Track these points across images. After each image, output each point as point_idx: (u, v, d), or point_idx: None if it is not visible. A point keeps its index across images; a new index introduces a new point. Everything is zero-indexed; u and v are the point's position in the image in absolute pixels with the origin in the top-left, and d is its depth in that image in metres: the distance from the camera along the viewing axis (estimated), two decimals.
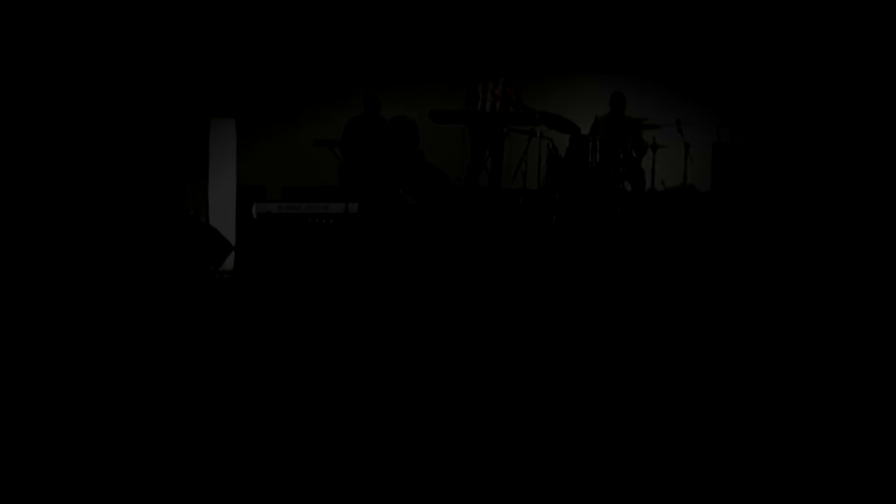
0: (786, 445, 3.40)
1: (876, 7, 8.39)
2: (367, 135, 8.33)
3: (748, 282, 6.06)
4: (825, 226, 7.09)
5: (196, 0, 7.66)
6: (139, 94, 6.95)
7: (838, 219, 7.16)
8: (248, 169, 8.35)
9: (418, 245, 5.43)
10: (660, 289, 6.00)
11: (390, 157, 5.69)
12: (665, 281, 6.18)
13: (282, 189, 8.68)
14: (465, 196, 8.14)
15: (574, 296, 5.86)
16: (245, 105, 8.93)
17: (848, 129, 8.13)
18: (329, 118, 9.56)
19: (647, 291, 5.94)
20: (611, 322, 5.27)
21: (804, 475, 3.17)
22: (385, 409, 3.78)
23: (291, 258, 6.61)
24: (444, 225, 5.59)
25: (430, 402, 3.87)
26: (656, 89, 9.63)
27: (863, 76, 8.43)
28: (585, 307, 5.61)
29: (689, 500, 3.06)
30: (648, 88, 9.57)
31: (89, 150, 6.51)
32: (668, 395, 3.97)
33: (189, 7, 7.50)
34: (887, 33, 8.26)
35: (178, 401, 3.88)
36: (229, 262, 6.91)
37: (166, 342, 4.84)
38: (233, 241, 7.05)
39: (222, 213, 7.42)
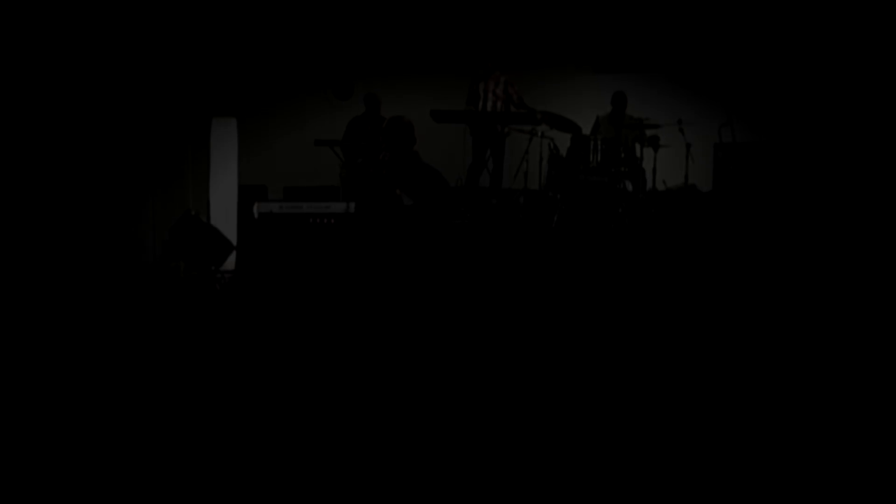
0: (786, 445, 3.40)
1: (878, 7, 8.38)
2: (367, 134, 8.33)
3: (749, 281, 6.05)
4: (827, 226, 7.09)
5: (196, 0, 7.65)
6: (141, 93, 6.96)
7: (840, 219, 7.15)
8: (249, 168, 8.36)
9: (416, 245, 5.43)
10: (661, 289, 5.99)
11: (387, 157, 5.69)
12: (666, 281, 6.17)
13: (283, 189, 8.68)
14: (461, 196, 8.14)
15: (575, 295, 5.86)
16: (246, 104, 8.94)
17: (850, 128, 8.13)
18: (330, 117, 9.57)
19: (648, 291, 5.94)
20: (612, 322, 5.27)
21: (804, 475, 3.17)
22: (385, 409, 3.78)
23: (293, 258, 6.61)
24: (440, 225, 5.58)
25: (430, 403, 3.87)
26: (658, 88, 9.62)
27: (865, 76, 8.42)
28: (586, 307, 5.61)
29: (689, 500, 3.06)
30: (650, 87, 9.56)
31: (91, 150, 6.51)
32: (668, 395, 3.97)
33: (189, 7, 7.50)
34: (889, 34, 8.25)
35: (178, 400, 3.88)
36: (230, 262, 6.92)
37: (167, 341, 4.85)
38: (234, 240, 7.06)
39: (223, 213, 7.43)
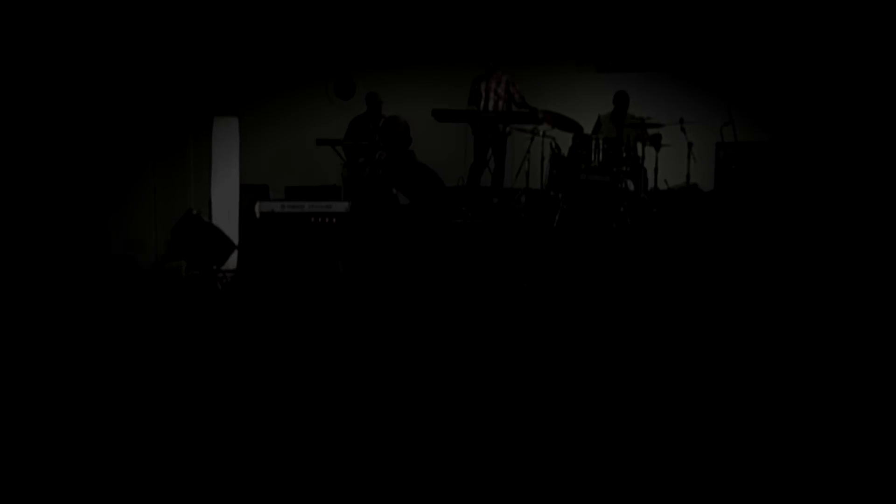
0: (786, 445, 3.40)
1: (879, 6, 8.38)
2: (369, 133, 8.34)
3: (751, 281, 6.05)
4: (829, 225, 7.08)
5: None
6: (142, 92, 6.96)
7: (842, 218, 7.14)
8: (250, 167, 8.36)
9: (412, 244, 5.44)
10: (662, 288, 5.99)
11: (383, 157, 5.71)
12: (668, 280, 6.17)
13: (284, 188, 8.69)
14: (463, 195, 8.14)
15: (576, 295, 5.86)
16: (248, 103, 8.94)
17: (852, 127, 8.12)
18: (332, 116, 9.58)
19: (649, 291, 5.94)
20: (613, 321, 5.27)
21: (804, 475, 3.17)
22: (386, 408, 3.78)
23: (294, 257, 6.62)
24: (436, 224, 5.60)
25: (430, 402, 3.87)
26: (660, 88, 9.61)
27: (867, 75, 8.42)
28: (588, 306, 5.61)
29: (689, 500, 3.06)
30: (652, 87, 9.56)
31: (92, 150, 6.52)
32: (668, 395, 3.97)
33: (191, 6, 7.50)
34: (891, 33, 8.24)
35: (179, 400, 3.89)
36: (232, 261, 6.92)
37: (168, 341, 4.85)
38: (235, 240, 7.06)
39: (225, 212, 7.42)
